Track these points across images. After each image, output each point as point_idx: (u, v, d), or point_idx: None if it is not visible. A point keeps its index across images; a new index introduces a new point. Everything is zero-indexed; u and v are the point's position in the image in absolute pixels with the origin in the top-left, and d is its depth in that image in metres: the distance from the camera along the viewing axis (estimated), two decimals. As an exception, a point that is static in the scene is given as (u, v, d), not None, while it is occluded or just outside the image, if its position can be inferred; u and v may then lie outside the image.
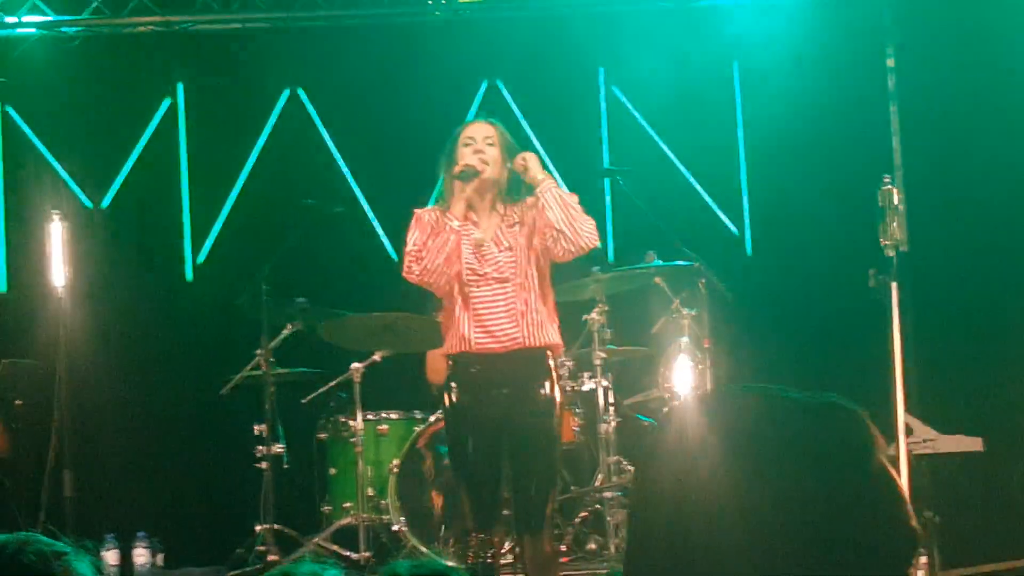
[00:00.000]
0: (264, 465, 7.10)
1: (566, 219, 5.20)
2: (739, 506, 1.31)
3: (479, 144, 5.36)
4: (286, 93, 8.78)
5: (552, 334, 5.35)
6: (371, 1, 8.63)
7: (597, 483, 7.18)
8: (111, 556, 7.36)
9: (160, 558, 7.61)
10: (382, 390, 7.41)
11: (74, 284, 6.83)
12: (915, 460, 6.60)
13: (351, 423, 7.22)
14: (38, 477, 6.84)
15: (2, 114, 8.70)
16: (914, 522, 1.35)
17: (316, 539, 7.16)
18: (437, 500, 7.11)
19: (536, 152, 5.73)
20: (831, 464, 1.33)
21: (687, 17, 8.55)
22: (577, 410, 7.25)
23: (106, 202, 8.69)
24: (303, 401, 7.47)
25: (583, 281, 7.08)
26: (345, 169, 8.78)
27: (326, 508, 7.40)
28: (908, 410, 6.39)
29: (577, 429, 7.22)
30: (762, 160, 8.71)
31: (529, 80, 8.77)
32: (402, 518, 7.08)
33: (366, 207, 8.74)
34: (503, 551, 6.12)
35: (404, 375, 7.60)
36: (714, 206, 8.79)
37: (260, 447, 7.13)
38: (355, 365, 7.19)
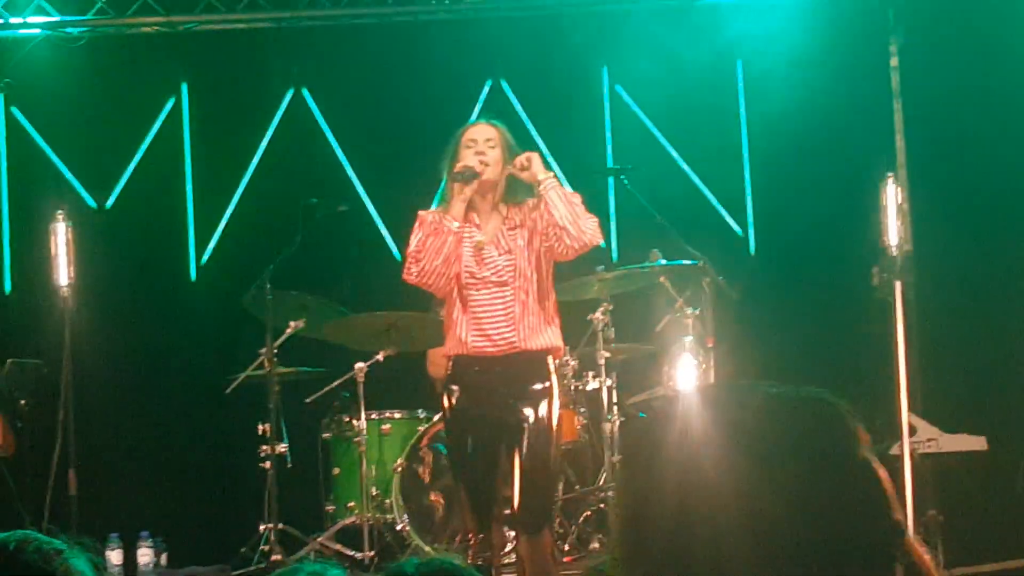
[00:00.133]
0: (268, 464, 7.11)
1: (570, 216, 5.20)
2: (734, 502, 1.32)
3: (480, 146, 5.36)
4: (290, 93, 8.79)
5: (551, 337, 5.35)
6: (375, 1, 8.64)
7: (601, 482, 7.18)
8: (115, 555, 7.37)
9: (164, 557, 7.62)
10: (386, 390, 7.41)
11: (78, 284, 6.83)
12: (919, 459, 6.59)
13: (355, 422, 7.22)
14: (43, 476, 6.84)
15: (7, 115, 8.71)
16: (898, 514, 1.36)
17: (320, 538, 7.17)
18: (440, 499, 7.12)
19: (539, 152, 5.73)
20: (814, 457, 1.33)
21: (691, 16, 8.54)
22: (581, 409, 7.26)
23: (110, 202, 8.70)
24: (307, 400, 7.47)
25: (587, 280, 7.09)
26: (349, 169, 8.78)
27: (330, 507, 7.41)
28: (912, 409, 6.39)
29: (581, 428, 7.23)
30: (766, 159, 8.71)
31: (533, 79, 8.77)
32: (406, 517, 7.08)
33: (370, 207, 8.74)
34: (503, 551, 6.13)
35: (407, 375, 7.60)
36: (718, 205, 8.79)
37: (264, 446, 7.14)
38: (359, 365, 7.19)
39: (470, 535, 5.37)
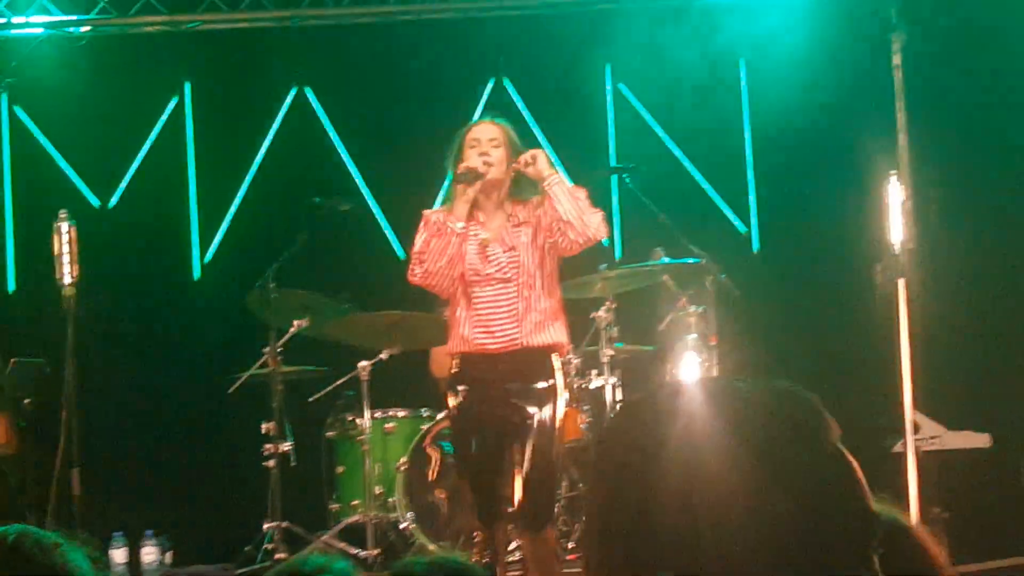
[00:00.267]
0: (272, 463, 7.11)
1: (574, 211, 5.21)
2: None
3: (484, 146, 5.36)
4: (293, 92, 8.79)
5: (555, 334, 5.35)
6: (378, 0, 8.64)
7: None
8: (119, 554, 7.38)
9: (169, 556, 7.63)
10: (389, 388, 7.41)
11: (82, 283, 6.84)
12: (923, 456, 6.59)
13: (358, 421, 7.23)
14: (46, 476, 6.84)
15: (10, 114, 8.71)
16: (872, 505, 1.36)
17: (324, 537, 7.17)
18: (444, 497, 7.12)
19: (544, 149, 5.73)
20: (787, 450, 1.34)
21: (693, 15, 8.54)
22: (585, 407, 7.26)
23: (114, 201, 8.71)
24: (310, 399, 7.48)
25: (590, 279, 7.09)
26: (352, 167, 8.79)
27: (334, 506, 7.41)
28: (916, 406, 6.38)
29: (585, 426, 7.23)
30: (769, 157, 8.71)
31: (535, 78, 8.77)
32: (409, 515, 7.09)
33: (373, 205, 8.75)
34: (508, 549, 6.13)
35: (411, 373, 7.60)
36: (721, 203, 8.80)
37: (268, 445, 7.14)
38: (362, 363, 7.19)
39: (475, 533, 5.38)
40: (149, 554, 7.48)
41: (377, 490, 7.18)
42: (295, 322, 7.29)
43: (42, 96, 8.63)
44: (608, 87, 8.88)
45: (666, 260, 7.21)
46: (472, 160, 5.34)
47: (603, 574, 1.39)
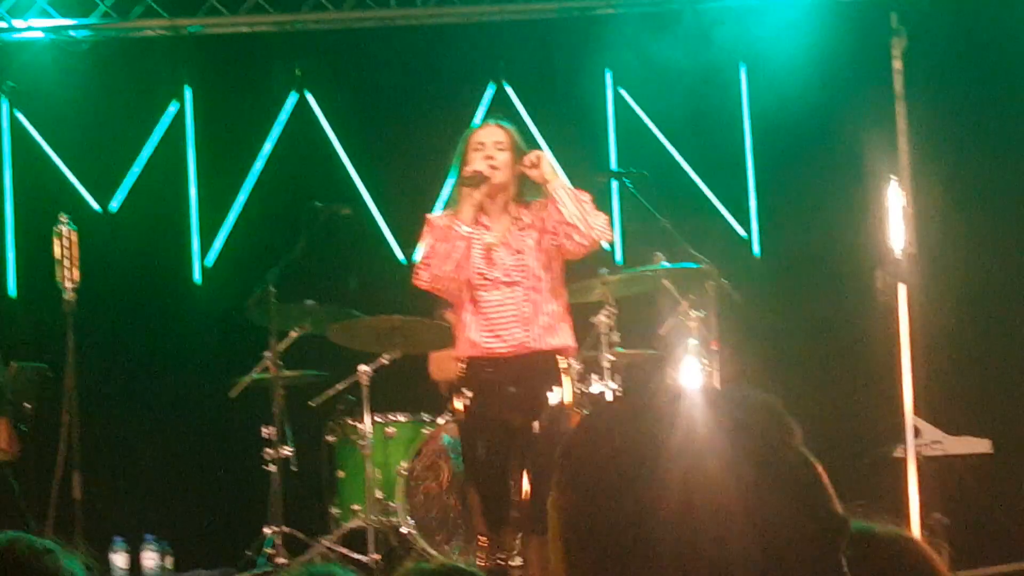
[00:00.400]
0: (272, 468, 7.11)
1: (579, 214, 5.22)
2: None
3: (489, 149, 5.37)
4: (294, 96, 8.79)
5: (562, 337, 5.36)
6: (378, 4, 8.64)
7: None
8: (120, 559, 7.38)
9: (169, 560, 7.63)
10: (390, 392, 7.41)
11: (83, 288, 6.84)
12: (923, 462, 6.59)
13: (359, 426, 7.22)
14: (47, 480, 6.84)
15: (11, 118, 8.72)
16: (838, 508, 1.37)
17: (325, 541, 7.17)
18: (445, 502, 7.12)
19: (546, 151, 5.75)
20: (752, 455, 1.34)
21: (693, 19, 8.54)
22: (585, 412, 7.25)
23: (115, 206, 8.71)
24: (311, 404, 7.47)
25: (590, 283, 7.08)
26: (353, 172, 8.79)
27: (335, 510, 7.41)
28: (916, 412, 6.38)
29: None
30: (769, 162, 8.71)
31: (536, 83, 8.78)
32: (411, 520, 7.09)
33: (374, 210, 8.75)
34: (514, 552, 6.12)
35: (412, 377, 7.60)
36: (721, 208, 8.79)
37: (268, 450, 7.14)
38: (363, 368, 7.19)
39: (480, 537, 5.37)
40: (149, 558, 7.48)
41: (378, 495, 7.17)
42: (295, 326, 7.29)
43: (43, 100, 8.64)
44: (608, 92, 8.88)
45: (667, 265, 7.20)
46: (477, 164, 5.34)
47: None
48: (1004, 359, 8.05)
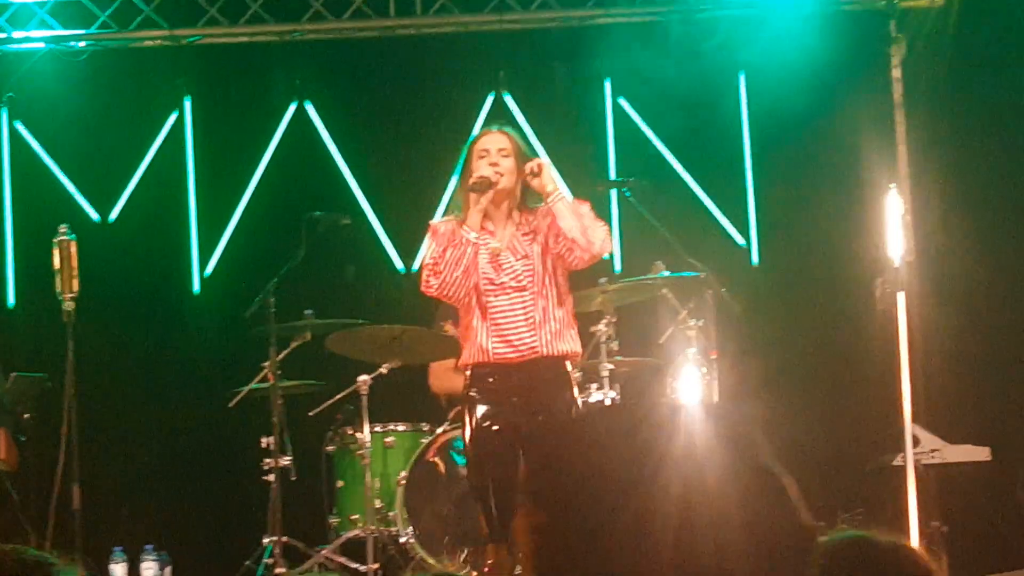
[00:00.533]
0: (271, 478, 7.11)
1: (578, 227, 5.22)
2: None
3: (493, 156, 5.38)
4: (293, 106, 8.80)
5: (570, 342, 5.36)
6: (378, 14, 8.65)
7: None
8: (119, 569, 7.37)
9: (168, 571, 7.62)
10: (389, 402, 7.41)
11: (82, 297, 6.84)
12: (923, 470, 6.59)
13: (358, 435, 7.22)
14: (46, 491, 6.84)
15: (10, 129, 8.72)
16: (806, 519, 1.37)
17: (324, 551, 7.16)
18: (444, 512, 7.11)
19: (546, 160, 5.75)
20: (723, 470, 1.34)
21: (693, 28, 8.55)
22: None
23: (114, 216, 8.71)
24: (310, 414, 7.47)
25: (590, 292, 7.08)
26: (352, 182, 8.79)
27: (334, 520, 7.40)
28: (915, 420, 6.38)
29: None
30: (768, 170, 8.71)
31: (535, 92, 8.78)
32: (410, 530, 7.08)
33: (373, 219, 8.74)
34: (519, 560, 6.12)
35: (411, 387, 7.60)
36: (720, 216, 8.79)
37: (267, 460, 7.14)
38: (362, 377, 7.19)
39: (486, 545, 5.36)
40: (149, 569, 7.46)
41: (377, 504, 7.17)
42: (295, 336, 7.29)
43: (42, 111, 8.64)
44: (607, 101, 8.88)
45: (666, 274, 7.20)
46: (483, 170, 5.35)
47: None
48: (1003, 368, 8.05)
